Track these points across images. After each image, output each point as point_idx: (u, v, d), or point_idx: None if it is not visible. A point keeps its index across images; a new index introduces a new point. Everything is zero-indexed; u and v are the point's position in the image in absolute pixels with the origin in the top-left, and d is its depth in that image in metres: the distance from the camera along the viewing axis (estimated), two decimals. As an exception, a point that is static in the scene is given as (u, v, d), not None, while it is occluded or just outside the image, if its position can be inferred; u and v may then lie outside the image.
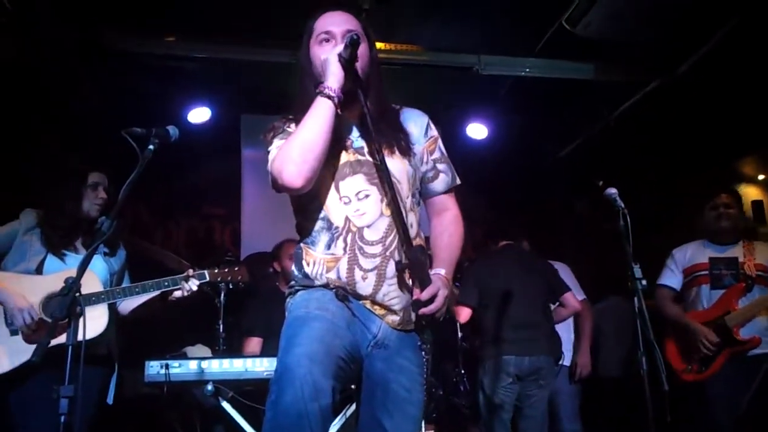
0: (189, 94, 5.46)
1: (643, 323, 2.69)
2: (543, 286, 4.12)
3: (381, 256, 1.96)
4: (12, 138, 4.55)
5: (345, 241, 1.96)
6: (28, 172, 4.49)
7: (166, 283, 3.01)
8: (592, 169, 6.04)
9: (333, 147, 1.96)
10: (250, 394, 3.33)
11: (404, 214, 1.96)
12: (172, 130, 2.28)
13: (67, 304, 1.93)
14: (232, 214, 6.39)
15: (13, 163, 4.57)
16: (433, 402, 4.15)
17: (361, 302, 1.96)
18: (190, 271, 3.07)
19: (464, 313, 4.09)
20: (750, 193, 5.73)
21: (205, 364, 3.28)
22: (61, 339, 2.00)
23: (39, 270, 2.94)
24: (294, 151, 1.89)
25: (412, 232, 2.00)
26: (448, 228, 2.16)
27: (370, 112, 1.96)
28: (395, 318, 1.97)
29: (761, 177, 5.77)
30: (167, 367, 3.22)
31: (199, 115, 5.57)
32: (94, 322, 2.83)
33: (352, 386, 2.11)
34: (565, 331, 4.55)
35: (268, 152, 2.02)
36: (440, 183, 2.19)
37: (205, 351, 4.12)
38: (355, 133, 2.07)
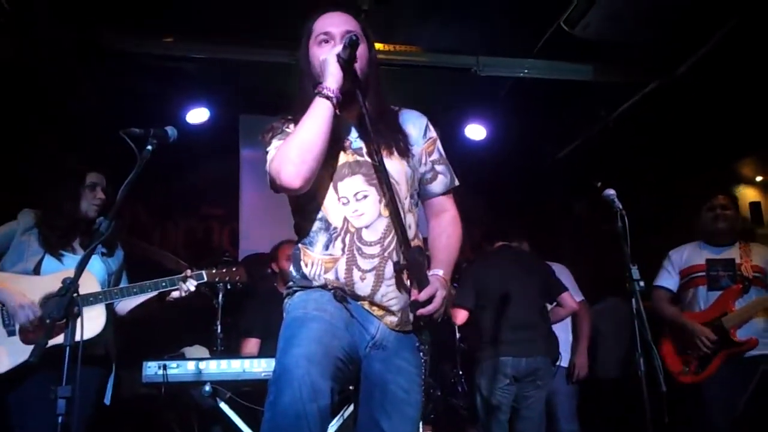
0: (187, 94, 5.46)
1: (640, 324, 2.69)
2: (540, 286, 4.12)
3: (379, 257, 1.96)
4: (10, 138, 4.54)
5: (343, 241, 1.96)
6: (26, 172, 4.48)
7: (164, 284, 3.00)
8: (591, 170, 6.03)
9: (332, 147, 1.96)
10: (248, 394, 3.32)
11: (402, 215, 1.96)
12: (171, 130, 2.28)
13: (65, 304, 1.92)
14: (230, 215, 6.39)
15: (12, 164, 4.56)
16: (431, 403, 4.15)
17: (359, 303, 1.96)
18: (188, 272, 3.06)
19: (461, 315, 4.09)
20: (748, 194, 5.74)
21: (202, 364, 3.27)
22: (59, 339, 1.99)
23: (36, 270, 2.94)
24: (292, 151, 1.89)
25: (411, 233, 2.00)
26: (446, 229, 2.16)
27: (368, 113, 1.96)
28: (393, 319, 1.97)
29: (759, 178, 5.78)
30: (165, 367, 3.22)
31: (198, 115, 5.58)
32: (92, 322, 2.83)
33: (350, 387, 2.11)
34: (563, 331, 4.56)
35: (267, 152, 2.02)
36: (439, 184, 2.19)
37: (202, 352, 4.11)
38: (353, 134, 2.07)
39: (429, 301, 1.88)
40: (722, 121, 5.10)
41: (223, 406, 3.34)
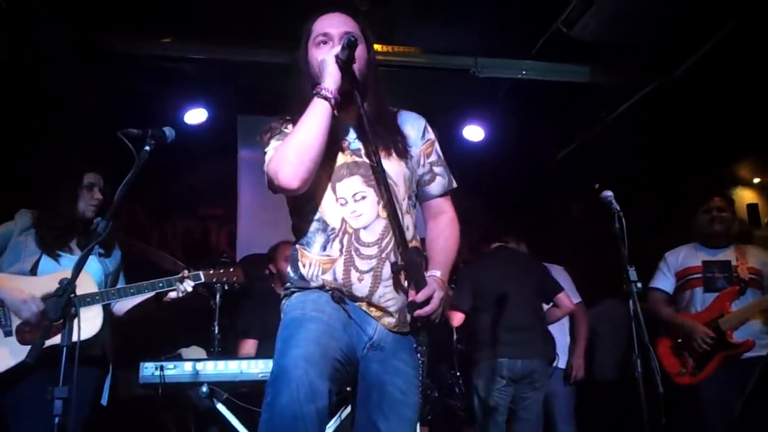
0: (185, 95, 5.45)
1: (638, 326, 2.70)
2: (536, 287, 4.12)
3: (377, 258, 1.96)
4: (9, 138, 4.54)
5: (341, 242, 1.96)
6: (24, 172, 4.48)
7: (161, 285, 2.99)
8: (589, 171, 6.04)
9: (330, 148, 1.96)
10: (245, 395, 3.32)
11: (400, 216, 1.96)
12: (168, 131, 2.28)
13: (62, 304, 1.92)
14: (228, 216, 6.38)
15: (10, 164, 4.56)
16: (429, 404, 4.15)
17: (357, 304, 1.96)
18: (185, 272, 3.05)
19: (457, 318, 4.09)
20: (745, 196, 5.75)
21: (200, 365, 3.27)
22: (56, 340, 2.00)
23: (33, 271, 2.93)
24: (290, 152, 1.89)
25: (409, 234, 2.00)
26: (444, 231, 2.16)
27: (366, 114, 1.96)
28: (391, 320, 1.97)
29: (757, 180, 5.78)
30: (162, 368, 3.22)
31: (196, 116, 5.57)
32: (89, 323, 2.81)
33: (348, 388, 2.11)
34: (561, 333, 4.56)
35: (265, 153, 2.02)
36: (437, 186, 2.19)
37: (200, 352, 4.11)
38: (352, 135, 2.07)
39: (426, 302, 1.88)
40: (720, 123, 5.11)
41: (220, 407, 3.33)
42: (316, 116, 1.90)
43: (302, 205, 2.04)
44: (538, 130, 6.07)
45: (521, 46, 4.84)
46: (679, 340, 3.76)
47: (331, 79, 1.92)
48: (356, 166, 2.02)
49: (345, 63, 1.92)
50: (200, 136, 5.50)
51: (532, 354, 3.89)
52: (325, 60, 1.95)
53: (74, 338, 1.95)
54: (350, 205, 1.99)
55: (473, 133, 6.09)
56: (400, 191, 2.03)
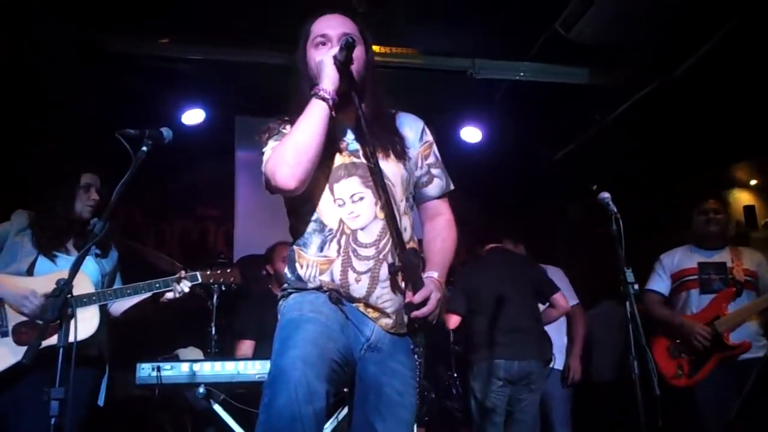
0: (183, 95, 5.45)
1: (634, 328, 2.70)
2: (531, 288, 4.11)
3: (374, 259, 1.96)
4: (6, 138, 4.54)
5: (339, 243, 1.96)
6: (22, 172, 4.47)
7: (158, 285, 3.00)
8: (586, 173, 6.04)
9: (328, 149, 1.96)
10: (242, 396, 3.31)
11: (398, 218, 1.96)
12: (166, 131, 2.27)
13: (59, 305, 1.92)
14: (225, 216, 6.38)
15: (7, 164, 4.55)
16: (426, 405, 4.14)
17: (354, 305, 1.96)
18: (183, 273, 3.06)
19: (453, 320, 4.10)
20: (742, 198, 5.77)
21: (196, 366, 3.27)
22: (52, 340, 1.99)
23: (30, 271, 2.92)
24: (288, 152, 1.89)
25: (406, 235, 2.00)
26: (441, 232, 2.16)
27: (364, 115, 1.96)
28: (388, 321, 1.97)
29: (753, 182, 5.80)
30: (159, 369, 3.21)
31: (194, 116, 5.57)
32: (85, 323, 2.82)
33: (345, 389, 2.11)
34: (558, 334, 4.56)
35: (263, 153, 2.03)
36: (434, 188, 2.19)
37: (197, 353, 4.11)
38: (350, 136, 2.07)
39: (423, 303, 1.88)
40: (716, 125, 5.12)
41: (217, 408, 3.33)
42: (314, 117, 1.90)
43: (300, 206, 2.04)
44: (536, 131, 6.09)
45: (519, 47, 4.85)
46: (678, 341, 3.76)
47: (328, 80, 1.92)
48: (354, 167, 2.02)
49: (343, 64, 1.92)
50: (198, 137, 5.49)
51: (529, 355, 3.89)
52: (323, 61, 1.95)
53: (71, 339, 1.95)
54: (348, 206, 1.98)
55: (471, 134, 6.09)
56: (398, 192, 2.04)
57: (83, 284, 2.88)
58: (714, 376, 3.60)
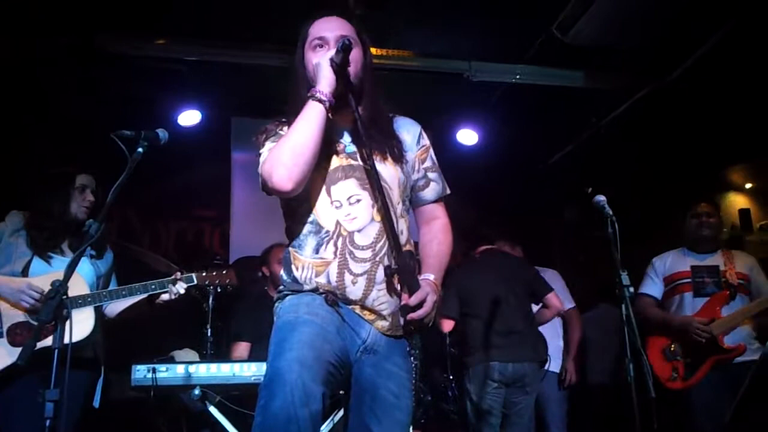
0: (179, 96, 5.44)
1: (630, 330, 2.70)
2: (524, 289, 4.10)
3: (371, 261, 1.96)
4: (2, 139, 4.53)
5: (336, 245, 1.96)
6: (17, 173, 4.45)
7: (154, 286, 2.99)
8: (582, 176, 6.06)
9: (325, 151, 1.97)
10: (238, 398, 3.31)
11: (395, 220, 1.96)
12: (162, 133, 2.27)
13: (54, 306, 1.91)
14: (221, 217, 6.36)
15: (4, 164, 4.54)
16: (422, 407, 4.14)
17: (350, 307, 1.96)
18: (178, 274, 3.05)
19: (446, 325, 4.11)
20: (737, 201, 5.79)
21: (192, 368, 3.26)
22: (47, 342, 1.98)
23: (25, 272, 2.91)
24: (284, 154, 1.89)
25: (403, 238, 2.00)
26: (437, 235, 2.17)
27: (361, 117, 1.97)
28: (384, 323, 1.97)
29: (749, 185, 5.82)
30: (154, 371, 3.20)
31: (190, 117, 5.55)
32: (80, 325, 2.81)
33: (341, 392, 2.11)
34: (554, 337, 4.56)
35: (260, 154, 2.03)
36: (431, 192, 2.20)
37: (192, 355, 4.09)
38: (347, 138, 2.08)
39: (419, 305, 1.88)
40: (712, 129, 5.14)
41: (213, 410, 3.32)
42: (311, 119, 1.91)
43: (296, 208, 2.04)
44: (532, 134, 6.09)
45: (515, 50, 4.86)
46: (673, 343, 3.76)
47: (325, 82, 1.93)
48: (351, 169, 2.02)
49: (339, 66, 1.93)
50: (194, 138, 5.48)
51: (523, 357, 3.89)
52: (320, 63, 1.95)
53: (66, 340, 1.94)
54: (345, 207, 1.99)
55: (467, 136, 6.09)
56: (395, 195, 2.04)
57: (78, 285, 2.88)
58: (709, 378, 3.61)
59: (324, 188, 2.00)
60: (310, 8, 2.12)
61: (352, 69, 1.98)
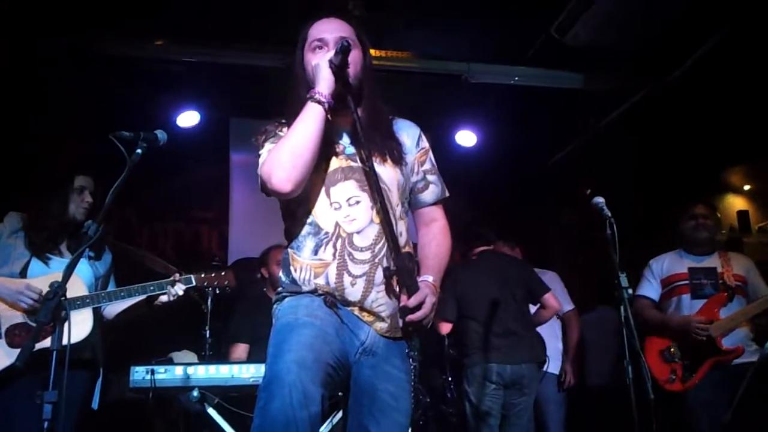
0: (178, 97, 5.44)
1: (629, 332, 2.70)
2: (521, 289, 4.09)
3: (370, 263, 1.96)
4: (3, 140, 4.52)
5: (335, 246, 1.96)
6: (17, 174, 4.45)
7: (152, 288, 2.98)
8: (581, 177, 6.06)
9: (324, 152, 1.97)
10: (236, 400, 3.30)
11: (394, 222, 1.96)
12: (161, 134, 2.27)
13: (52, 308, 1.91)
14: (219, 218, 6.36)
15: (2, 166, 4.54)
16: (421, 409, 4.14)
17: (349, 309, 1.96)
18: (177, 276, 3.05)
19: (445, 327, 4.10)
20: (736, 203, 5.79)
21: (191, 369, 3.25)
22: (46, 343, 1.98)
23: (23, 274, 2.91)
24: (284, 155, 1.89)
25: (402, 240, 2.00)
26: (436, 237, 2.17)
27: (359, 119, 1.97)
28: (383, 325, 1.97)
29: (747, 187, 5.83)
30: (153, 372, 3.20)
31: (188, 118, 5.55)
32: (79, 326, 2.80)
33: (340, 393, 2.11)
34: (553, 339, 4.56)
35: (259, 155, 2.03)
36: (430, 194, 2.20)
37: (191, 357, 4.09)
38: (347, 139, 2.08)
39: (418, 307, 1.87)
40: (711, 130, 5.14)
41: (211, 411, 3.31)
42: (310, 120, 1.91)
43: (295, 209, 2.04)
44: (530, 135, 6.09)
45: (514, 52, 4.86)
46: (672, 345, 3.76)
47: (324, 84, 1.93)
48: (351, 171, 2.02)
49: (338, 67, 1.93)
50: (192, 139, 5.48)
51: (521, 359, 3.89)
52: (319, 65, 1.96)
53: (64, 342, 1.94)
54: (344, 209, 1.99)
55: (465, 138, 6.10)
56: (394, 197, 2.04)
57: (77, 287, 2.87)
58: (707, 380, 3.61)
59: (323, 189, 2.00)
60: (310, 9, 2.12)
61: (351, 70, 1.98)
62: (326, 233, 1.97)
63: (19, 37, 4.06)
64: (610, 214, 2.84)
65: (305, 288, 1.97)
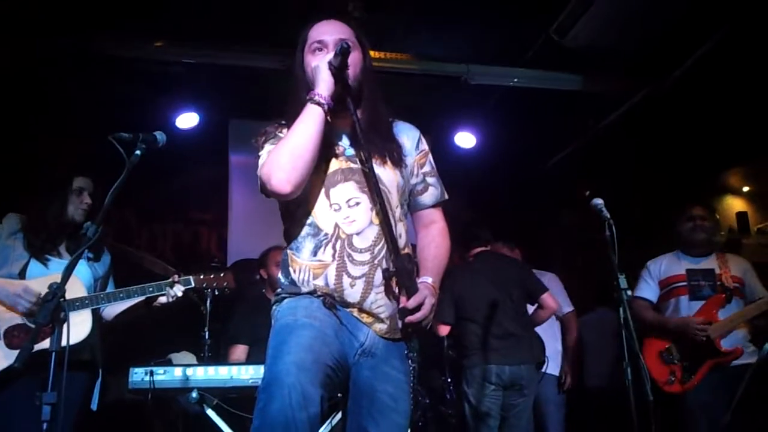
0: (177, 99, 5.43)
1: (628, 333, 2.70)
2: (519, 290, 4.09)
3: (369, 264, 1.96)
4: (2, 141, 4.52)
5: (334, 247, 1.96)
6: (16, 175, 4.45)
7: (151, 289, 2.98)
8: (580, 179, 6.06)
9: (324, 154, 1.97)
10: (235, 401, 3.30)
11: (393, 224, 1.96)
12: (160, 135, 2.27)
13: (51, 309, 1.91)
14: (218, 220, 6.36)
15: (4, 166, 4.54)
16: (420, 410, 4.14)
17: (348, 310, 1.96)
18: (176, 277, 3.05)
19: (443, 329, 4.10)
20: (735, 204, 5.79)
21: (190, 371, 3.25)
22: (44, 344, 1.97)
23: (22, 275, 2.91)
24: (283, 156, 1.89)
25: (401, 242, 2.00)
26: (435, 239, 2.17)
27: (359, 120, 1.97)
28: (382, 326, 1.97)
29: (746, 189, 5.83)
30: (152, 373, 3.19)
31: (187, 120, 5.55)
32: (77, 327, 2.80)
33: (339, 394, 2.11)
34: (553, 340, 4.56)
35: (259, 157, 2.03)
36: (429, 196, 2.20)
37: (190, 358, 4.09)
38: (346, 141, 2.08)
39: (418, 308, 1.88)
40: (710, 132, 5.15)
41: (210, 412, 3.31)
42: (309, 121, 1.91)
43: (294, 210, 2.04)
44: (530, 137, 6.09)
45: (513, 53, 4.86)
46: (670, 346, 3.76)
47: (324, 85, 1.93)
48: (351, 172, 2.02)
49: (338, 69, 1.93)
50: (191, 140, 5.48)
51: (520, 360, 3.89)
52: (318, 66, 1.96)
53: (63, 343, 1.94)
54: (344, 210, 1.99)
55: (465, 139, 6.09)
56: (393, 199, 2.04)
57: (76, 288, 2.87)
58: (706, 382, 3.61)
59: (323, 191, 2.00)
60: (309, 11, 2.13)
61: (351, 72, 1.99)
62: (326, 234, 1.97)
63: (19, 37, 4.07)
64: (609, 216, 2.84)
65: (304, 289, 1.97)
